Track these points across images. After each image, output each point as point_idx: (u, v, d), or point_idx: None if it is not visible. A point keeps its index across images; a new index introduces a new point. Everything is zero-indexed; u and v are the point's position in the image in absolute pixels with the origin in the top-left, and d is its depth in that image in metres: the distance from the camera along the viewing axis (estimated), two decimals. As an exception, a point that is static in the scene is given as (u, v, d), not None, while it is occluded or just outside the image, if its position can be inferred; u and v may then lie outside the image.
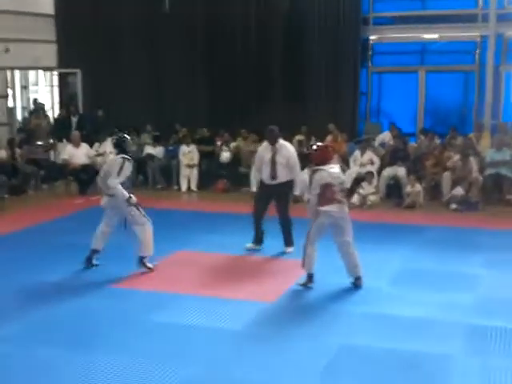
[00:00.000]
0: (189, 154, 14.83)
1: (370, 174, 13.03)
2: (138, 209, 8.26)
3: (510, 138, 14.01)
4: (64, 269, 8.48)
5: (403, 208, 12.60)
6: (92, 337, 6.28)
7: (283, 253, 9.22)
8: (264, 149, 9.33)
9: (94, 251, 8.52)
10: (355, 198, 12.66)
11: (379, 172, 13.62)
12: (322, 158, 7.66)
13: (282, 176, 9.13)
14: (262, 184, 9.45)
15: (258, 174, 9.63)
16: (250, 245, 9.45)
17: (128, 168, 8.23)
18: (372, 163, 13.63)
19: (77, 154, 14.39)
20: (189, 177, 14.77)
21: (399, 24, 16.44)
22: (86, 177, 14.24)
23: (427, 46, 16.63)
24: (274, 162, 9.07)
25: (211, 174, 15.00)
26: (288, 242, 9.34)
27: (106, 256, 8.68)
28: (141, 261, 8.31)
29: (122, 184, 8.15)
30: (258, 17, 16.40)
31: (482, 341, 6.18)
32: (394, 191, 13.53)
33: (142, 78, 17.12)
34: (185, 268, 8.59)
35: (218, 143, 15.40)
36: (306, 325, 6.61)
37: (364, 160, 13.63)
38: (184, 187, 14.75)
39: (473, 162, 12.87)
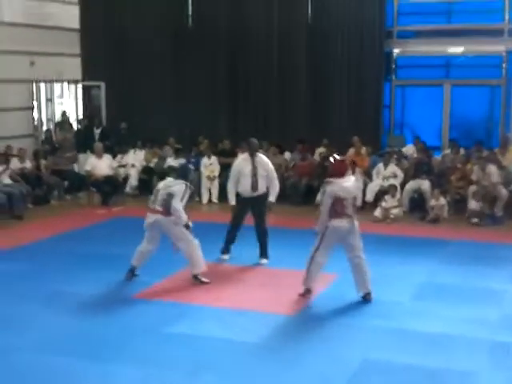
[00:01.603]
0: (210, 166, 14.81)
1: (393, 187, 12.90)
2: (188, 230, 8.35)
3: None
4: (85, 278, 8.49)
5: (427, 222, 12.43)
6: (111, 347, 6.24)
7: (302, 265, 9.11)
8: (243, 161, 9.47)
9: (133, 267, 8.51)
10: (378, 212, 12.58)
11: (402, 185, 13.49)
12: (338, 172, 7.62)
13: (262, 187, 9.29)
14: (240, 197, 9.43)
15: (233, 187, 9.47)
16: (225, 256, 9.55)
17: (188, 195, 8.41)
18: (395, 176, 13.51)
19: (99, 165, 14.42)
20: (210, 189, 14.74)
21: (423, 37, 16.33)
22: (109, 188, 14.28)
23: (452, 60, 16.50)
24: (255, 174, 9.17)
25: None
26: (264, 253, 9.45)
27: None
28: (195, 278, 8.34)
29: None
30: (281, 30, 16.37)
31: (506, 357, 6.04)
32: (417, 205, 13.38)
33: (164, 90, 17.15)
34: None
35: (239, 155, 15.35)
36: (326, 339, 6.51)
37: (387, 173, 13.52)
38: (205, 199, 14.71)
39: (494, 172, 12.70)
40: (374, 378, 5.62)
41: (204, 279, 8.34)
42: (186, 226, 8.25)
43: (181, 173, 8.70)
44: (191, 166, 13.73)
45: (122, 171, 15.42)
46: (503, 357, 6.06)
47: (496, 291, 8.00)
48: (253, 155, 9.37)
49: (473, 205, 12.39)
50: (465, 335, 6.58)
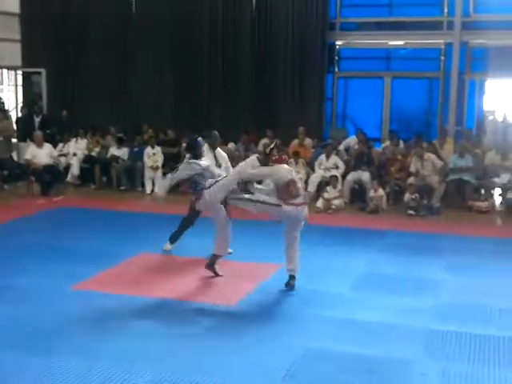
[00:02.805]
0: (153, 156, 14.75)
1: (335, 178, 13.10)
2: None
3: (472, 144, 14.21)
4: (24, 269, 8.34)
5: (367, 212, 12.67)
6: (50, 340, 6.17)
7: (244, 256, 9.19)
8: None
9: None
10: (320, 203, 12.75)
11: (344, 176, 13.70)
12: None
13: None
14: None
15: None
16: (168, 246, 9.48)
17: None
18: (337, 167, 13.72)
19: (39, 154, 14.19)
20: (153, 179, 14.68)
21: (365, 30, 16.56)
22: (49, 177, 14.07)
23: (393, 53, 16.78)
24: (219, 166, 9.06)
25: (176, 176, 14.89)
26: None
27: (69, 257, 8.60)
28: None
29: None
30: (225, 21, 16.39)
31: (441, 346, 6.22)
32: (358, 196, 13.62)
33: (108, 78, 17.00)
34: (147, 270, 8.52)
35: (183, 145, 15.32)
36: (268, 329, 6.59)
37: (329, 164, 13.72)
38: (148, 189, 14.65)
39: (432, 163, 13.03)
40: (314, 366, 5.72)
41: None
42: None
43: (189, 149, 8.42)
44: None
45: (63, 160, 15.23)
46: (438, 345, 6.24)
47: (431, 281, 8.22)
48: (214, 148, 9.26)
49: (406, 197, 12.69)
50: (402, 324, 6.74)
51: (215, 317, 6.88)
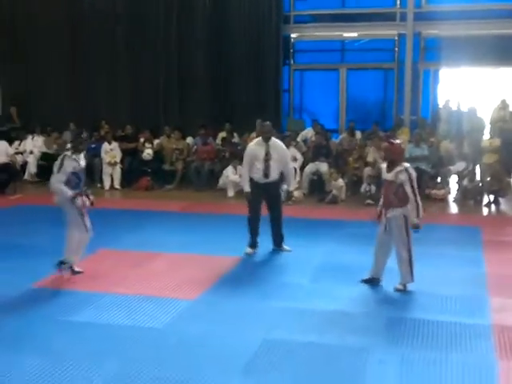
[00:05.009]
0: (111, 151, 14.67)
1: (293, 169, 13.16)
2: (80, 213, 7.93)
3: (427, 133, 14.42)
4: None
5: (326, 203, 12.79)
6: (11, 338, 6.15)
7: (205, 249, 9.22)
8: (256, 146, 9.00)
9: None
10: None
11: (302, 168, 13.80)
12: None
13: (275, 173, 8.89)
14: (252, 183, 8.96)
15: (247, 173, 8.97)
16: (248, 250, 9.06)
17: (69, 165, 7.80)
18: (295, 159, 13.80)
19: (-5, 152, 14.02)
20: (111, 174, 14.60)
21: (320, 22, 16.67)
22: (5, 176, 13.91)
23: (348, 44, 16.93)
24: (267, 160, 8.79)
25: (134, 171, 14.87)
26: (281, 240, 9.16)
27: (29, 254, 8.60)
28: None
29: (68, 182, 7.80)
30: (180, 13, 16.34)
31: (399, 333, 6.33)
32: (316, 187, 13.73)
33: (63, 75, 16.84)
34: (107, 266, 8.51)
35: (141, 140, 15.29)
36: (226, 322, 6.63)
37: (287, 156, 13.77)
38: (107, 185, 14.59)
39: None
40: (273, 356, 5.78)
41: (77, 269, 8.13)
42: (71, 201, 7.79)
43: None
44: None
45: (19, 158, 15.06)
46: (396, 333, 6.35)
47: (388, 269, 8.32)
48: (266, 139, 8.93)
49: (363, 187, 12.85)
50: (359, 312, 6.86)
51: (174, 311, 6.89)
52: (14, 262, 8.58)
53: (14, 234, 10.22)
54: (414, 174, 7.39)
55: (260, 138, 9.03)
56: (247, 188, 8.94)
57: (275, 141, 9.04)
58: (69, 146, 8.10)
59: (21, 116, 16.90)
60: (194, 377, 5.38)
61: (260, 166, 8.82)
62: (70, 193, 7.78)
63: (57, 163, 7.82)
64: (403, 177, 7.31)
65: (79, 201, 7.89)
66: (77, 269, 8.15)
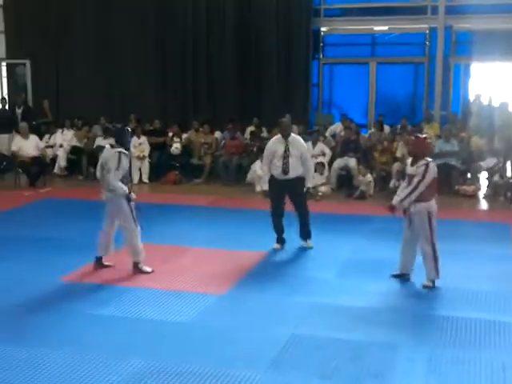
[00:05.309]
0: (140, 145, 14.73)
1: (321, 164, 13.13)
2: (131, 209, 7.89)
3: (458, 128, 14.26)
4: (13, 261, 8.38)
5: (354, 199, 12.73)
6: (38, 331, 6.21)
7: (231, 245, 9.22)
8: (276, 142, 8.93)
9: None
10: (306, 189, 12.78)
11: (330, 163, 13.73)
12: None
13: (294, 170, 8.79)
14: (273, 180, 8.92)
15: (267, 170, 8.95)
16: (276, 245, 9.07)
17: (126, 162, 7.81)
18: (323, 154, 13.75)
19: (26, 145, 14.16)
20: (140, 168, 14.68)
21: (350, 16, 16.56)
22: (36, 169, 14.07)
23: (378, 38, 16.80)
24: (286, 156, 8.72)
25: (163, 165, 14.93)
26: (307, 235, 9.12)
27: (58, 248, 8.63)
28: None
29: (123, 179, 7.81)
30: (210, 7, 16.33)
31: (428, 330, 6.28)
32: (345, 182, 13.66)
33: (94, 69, 16.94)
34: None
35: (170, 134, 15.34)
36: (254, 316, 6.64)
37: (315, 151, 13.73)
38: (135, 179, 14.63)
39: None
40: (300, 352, 5.78)
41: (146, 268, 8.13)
42: (128, 199, 7.80)
43: (116, 136, 8.03)
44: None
45: (49, 152, 15.19)
46: (425, 330, 6.30)
47: (418, 265, 8.25)
48: (286, 136, 8.87)
49: (392, 183, 12.75)
50: (388, 309, 6.82)
51: (202, 306, 6.91)
52: (42, 254, 8.70)
53: (44, 226, 10.33)
54: (432, 171, 7.27)
55: (279, 135, 8.98)
56: (266, 186, 8.96)
57: (294, 137, 9.00)
58: (113, 142, 8.00)
59: (51, 110, 17.04)
60: (221, 371, 5.39)
61: (279, 162, 8.77)
62: (126, 189, 7.80)
63: (113, 161, 7.69)
64: (420, 170, 7.24)
65: (133, 196, 7.91)
66: (106, 263, 8.21)
